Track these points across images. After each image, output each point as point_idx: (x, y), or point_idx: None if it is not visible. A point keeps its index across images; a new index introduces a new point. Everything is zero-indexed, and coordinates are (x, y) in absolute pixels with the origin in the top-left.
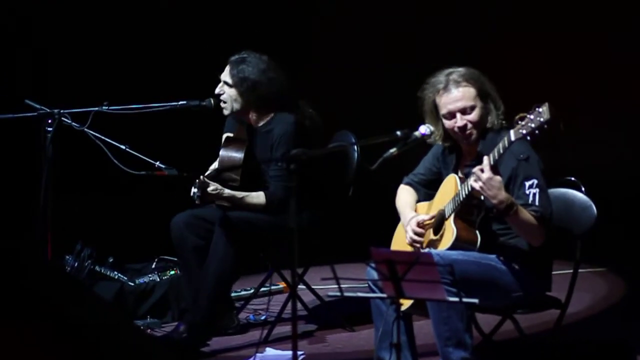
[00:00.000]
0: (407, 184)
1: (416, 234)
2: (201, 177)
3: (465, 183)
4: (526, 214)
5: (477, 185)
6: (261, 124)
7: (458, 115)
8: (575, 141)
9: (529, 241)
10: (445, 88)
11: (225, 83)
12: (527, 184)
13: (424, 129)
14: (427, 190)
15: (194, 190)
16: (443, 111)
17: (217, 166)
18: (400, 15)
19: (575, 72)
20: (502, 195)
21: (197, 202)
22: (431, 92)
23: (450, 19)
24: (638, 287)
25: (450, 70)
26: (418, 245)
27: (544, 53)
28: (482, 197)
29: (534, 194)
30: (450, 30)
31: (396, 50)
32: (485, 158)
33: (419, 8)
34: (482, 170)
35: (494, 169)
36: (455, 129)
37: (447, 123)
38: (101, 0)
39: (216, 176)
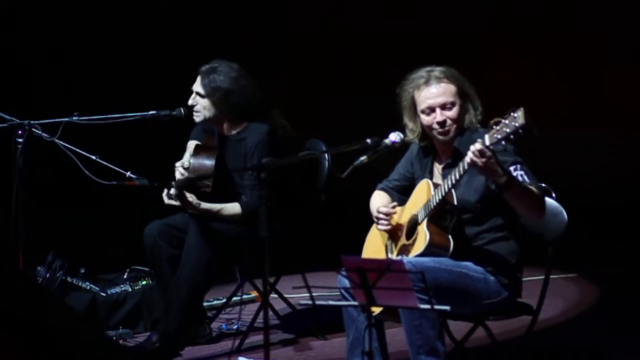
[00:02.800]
0: (382, 189)
1: (382, 212)
2: (177, 179)
3: (439, 188)
4: (525, 186)
5: (479, 162)
6: (233, 132)
7: (438, 110)
8: (546, 146)
9: (531, 216)
10: (427, 83)
11: (198, 94)
12: (512, 168)
13: (394, 137)
14: (401, 196)
15: (169, 192)
16: (422, 106)
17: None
18: (370, 20)
19: (555, 78)
20: (501, 169)
21: (176, 201)
22: (411, 87)
23: (423, 20)
24: (609, 293)
25: (431, 67)
26: (385, 220)
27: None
28: (455, 202)
29: (522, 175)
30: (421, 34)
31: (367, 57)
32: (478, 141)
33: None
34: (477, 150)
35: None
36: (435, 125)
37: (426, 119)
38: (71, 14)
39: (188, 184)
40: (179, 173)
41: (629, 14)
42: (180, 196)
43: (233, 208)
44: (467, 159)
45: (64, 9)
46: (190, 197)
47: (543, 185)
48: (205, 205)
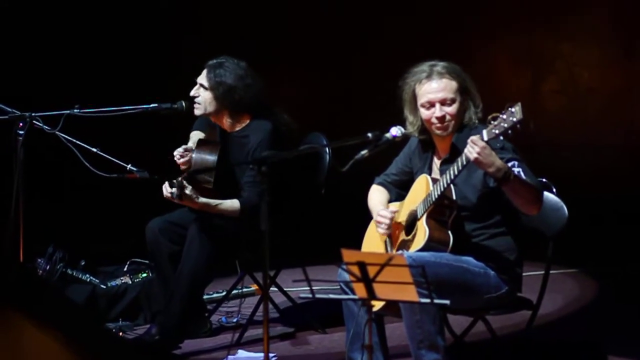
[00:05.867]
0: (379, 184)
1: (383, 216)
2: (179, 178)
3: (437, 183)
4: (522, 179)
5: (472, 156)
6: (237, 129)
7: (437, 105)
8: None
9: (528, 210)
10: (428, 77)
11: (202, 86)
12: (509, 165)
13: (394, 131)
14: (399, 191)
15: (171, 190)
16: (422, 100)
17: (187, 147)
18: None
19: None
20: (499, 162)
21: (176, 200)
22: (413, 81)
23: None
24: (609, 288)
25: (434, 62)
26: (385, 225)
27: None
28: (454, 197)
29: (519, 172)
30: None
31: (367, 52)
32: (474, 136)
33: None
34: (474, 142)
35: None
36: (433, 120)
37: (425, 113)
38: (73, 5)
39: (189, 178)
40: (178, 157)
41: None
42: (179, 193)
43: (232, 204)
44: (465, 151)
45: (67, 1)
46: (190, 190)
47: (543, 180)
48: (203, 199)
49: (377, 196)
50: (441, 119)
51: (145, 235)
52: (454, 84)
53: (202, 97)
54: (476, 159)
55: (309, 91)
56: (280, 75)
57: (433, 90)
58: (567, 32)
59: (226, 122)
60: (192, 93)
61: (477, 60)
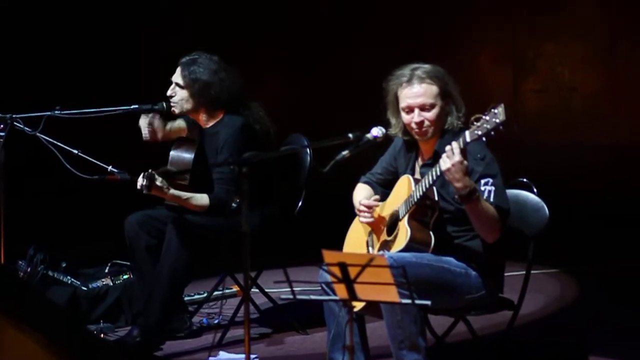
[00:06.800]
0: (365, 182)
1: (365, 205)
2: (150, 170)
3: (419, 184)
4: (486, 204)
5: (445, 166)
6: (209, 125)
7: (416, 110)
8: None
9: (485, 235)
10: (409, 82)
11: (177, 85)
12: (483, 181)
13: (375, 132)
14: (384, 190)
15: (141, 182)
16: (402, 104)
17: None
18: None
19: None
20: (467, 180)
21: (144, 192)
22: (395, 84)
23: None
24: (590, 288)
25: (417, 65)
26: (368, 214)
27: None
28: (436, 198)
29: (490, 191)
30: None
31: (350, 52)
32: (455, 142)
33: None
34: (452, 153)
35: (463, 153)
36: (412, 125)
37: (405, 117)
38: (56, 6)
39: (165, 175)
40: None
41: None
42: (148, 184)
43: (202, 199)
44: (440, 160)
45: (48, 3)
46: (160, 182)
47: (524, 180)
48: (173, 191)
49: (362, 193)
50: (419, 124)
51: (125, 229)
52: (434, 89)
53: (179, 96)
54: (448, 169)
55: (294, 92)
56: (265, 76)
57: (412, 95)
58: (549, 31)
59: (202, 118)
60: (168, 93)
61: (458, 59)
